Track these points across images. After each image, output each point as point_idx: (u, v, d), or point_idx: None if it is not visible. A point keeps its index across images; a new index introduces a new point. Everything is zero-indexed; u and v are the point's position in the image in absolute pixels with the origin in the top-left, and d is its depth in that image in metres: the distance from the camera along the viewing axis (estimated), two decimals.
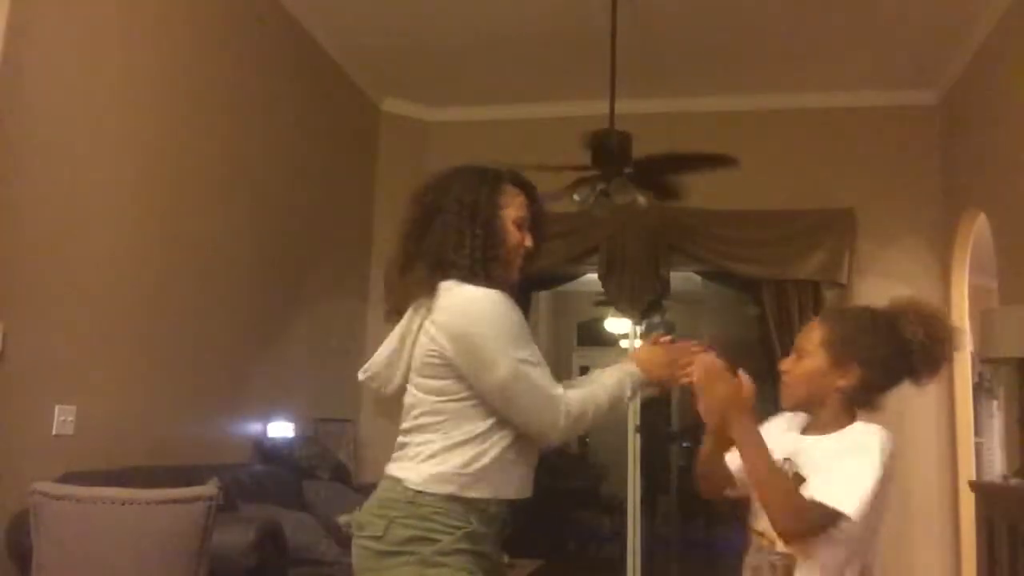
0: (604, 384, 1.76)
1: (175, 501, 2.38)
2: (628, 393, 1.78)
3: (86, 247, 3.16)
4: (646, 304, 5.70)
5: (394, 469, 1.75)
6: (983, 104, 4.72)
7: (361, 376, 1.86)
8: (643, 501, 5.64)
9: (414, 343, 1.73)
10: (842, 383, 1.68)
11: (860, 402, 1.70)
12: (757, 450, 1.62)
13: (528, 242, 1.80)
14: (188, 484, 2.49)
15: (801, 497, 1.56)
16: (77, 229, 3.12)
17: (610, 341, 10.12)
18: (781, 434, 1.74)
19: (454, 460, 1.67)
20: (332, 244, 5.31)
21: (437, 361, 1.69)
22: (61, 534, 2.33)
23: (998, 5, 4.31)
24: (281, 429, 4.54)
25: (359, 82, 5.58)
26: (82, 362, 3.13)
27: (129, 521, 2.33)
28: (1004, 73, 4.36)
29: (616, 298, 5.74)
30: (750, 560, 1.67)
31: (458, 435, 1.68)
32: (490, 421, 1.69)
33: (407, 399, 1.78)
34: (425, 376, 1.72)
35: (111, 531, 2.31)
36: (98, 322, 3.22)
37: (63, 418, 3.00)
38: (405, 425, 1.77)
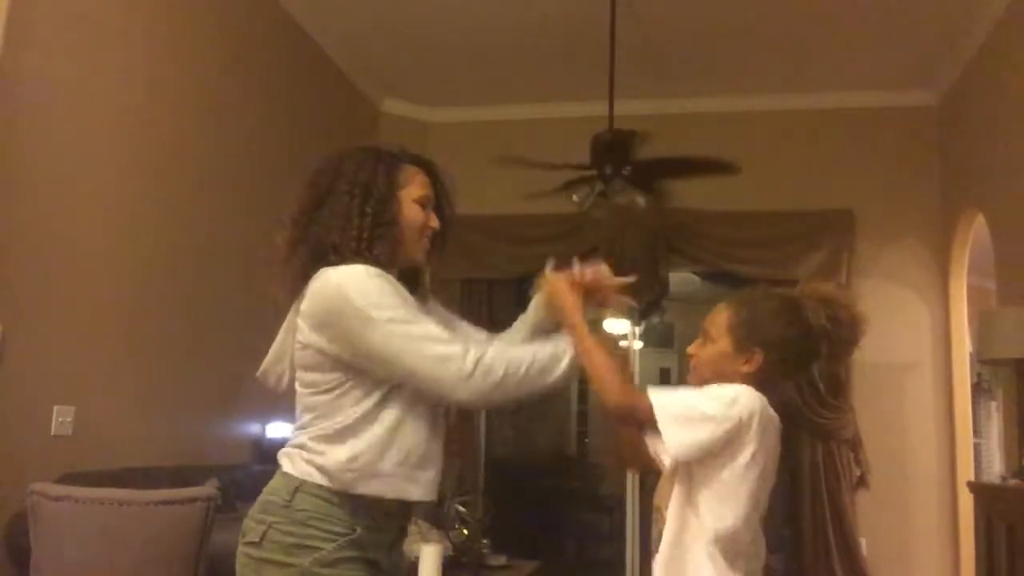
0: (535, 349, 1.66)
1: (174, 502, 2.38)
2: (564, 364, 1.65)
3: (85, 248, 3.16)
4: (645, 304, 5.71)
5: (283, 462, 1.67)
6: (982, 105, 4.72)
7: (258, 374, 1.80)
8: (642, 501, 5.65)
9: (294, 336, 1.66)
10: (745, 368, 1.67)
11: (760, 385, 1.67)
12: (585, 346, 1.67)
13: (433, 222, 1.73)
14: (187, 485, 2.49)
15: (626, 381, 1.64)
16: (76, 230, 3.12)
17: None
18: None
19: (336, 454, 1.56)
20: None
21: (308, 352, 1.62)
22: (59, 535, 2.33)
23: (997, 6, 4.31)
24: (280, 429, 4.53)
25: (358, 83, 5.58)
26: (81, 363, 3.13)
27: (128, 522, 2.33)
28: (1003, 74, 4.37)
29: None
30: (654, 539, 1.68)
31: (335, 427, 1.58)
32: (367, 409, 1.58)
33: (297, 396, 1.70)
34: (301, 369, 1.66)
35: (110, 532, 2.31)
36: (97, 323, 3.21)
37: (61, 419, 3.00)
38: (296, 424, 1.71)
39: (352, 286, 1.56)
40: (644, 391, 1.60)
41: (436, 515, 4.24)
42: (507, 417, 9.43)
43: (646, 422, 1.59)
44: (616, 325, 9.35)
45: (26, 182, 2.88)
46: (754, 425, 1.55)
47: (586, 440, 10.99)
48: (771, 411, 1.61)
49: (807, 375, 1.79)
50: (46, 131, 2.97)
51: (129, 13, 3.41)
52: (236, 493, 3.38)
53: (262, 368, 1.77)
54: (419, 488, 1.62)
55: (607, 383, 1.63)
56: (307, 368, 1.63)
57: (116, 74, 3.34)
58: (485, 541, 3.85)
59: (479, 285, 5.66)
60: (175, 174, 3.70)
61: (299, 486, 1.58)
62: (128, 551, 2.31)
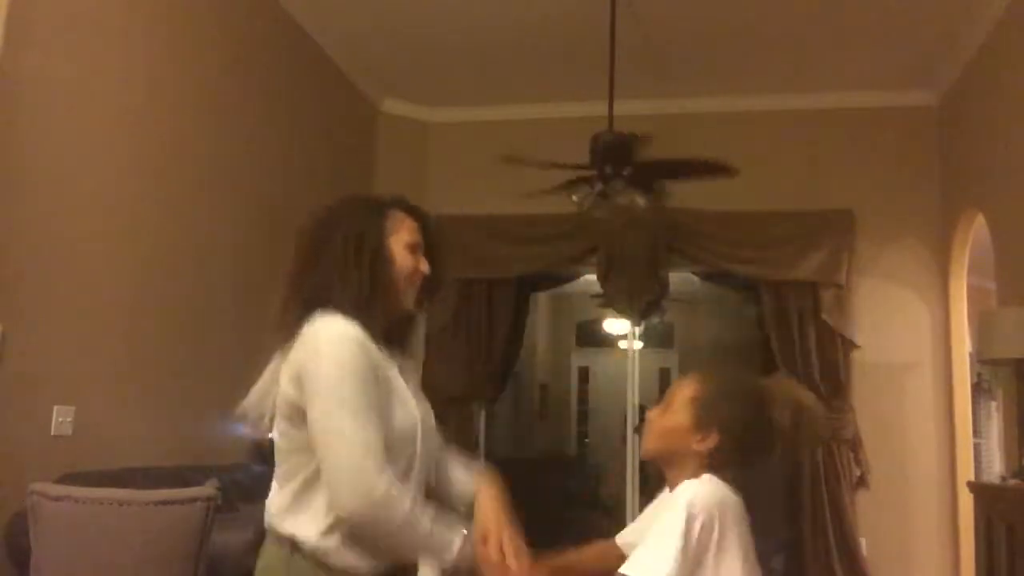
0: (433, 529, 1.53)
1: (174, 502, 2.38)
2: (445, 557, 1.53)
3: (85, 248, 3.16)
4: (645, 305, 5.71)
5: (276, 523, 1.55)
6: (982, 105, 4.72)
7: (237, 412, 1.73)
8: (642, 502, 5.65)
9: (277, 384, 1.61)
10: (697, 447, 1.63)
11: (713, 469, 1.62)
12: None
13: (424, 267, 1.66)
14: (187, 485, 2.49)
15: None
16: (76, 230, 3.12)
17: (609, 342, 10.12)
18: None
19: (315, 523, 1.48)
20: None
21: (284, 402, 1.56)
22: (59, 535, 2.33)
23: (997, 6, 4.31)
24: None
25: (358, 83, 5.58)
26: (81, 363, 3.12)
27: (128, 522, 2.33)
28: (1003, 74, 4.37)
29: (615, 299, 5.74)
30: None
31: (305, 487, 1.51)
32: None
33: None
34: (280, 416, 1.60)
35: (110, 532, 2.31)
36: (97, 323, 3.21)
37: (61, 419, 3.00)
38: (276, 475, 1.62)
39: (334, 348, 1.50)
40: None
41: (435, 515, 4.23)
42: (507, 418, 9.44)
43: None
44: (617, 325, 9.38)
45: (26, 182, 2.88)
46: (715, 528, 1.50)
47: (586, 441, 11.00)
48: (731, 496, 1.57)
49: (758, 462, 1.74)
50: (46, 131, 2.97)
51: (129, 13, 3.41)
52: (236, 493, 3.38)
53: (241, 407, 1.71)
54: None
55: None
56: (284, 417, 1.58)
57: (116, 74, 3.34)
58: None
59: (479, 285, 5.66)
60: (175, 174, 3.70)
61: (291, 552, 1.50)
62: (128, 551, 2.31)
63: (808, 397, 1.73)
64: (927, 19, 4.57)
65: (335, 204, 1.69)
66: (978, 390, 6.45)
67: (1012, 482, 3.85)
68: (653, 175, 4.14)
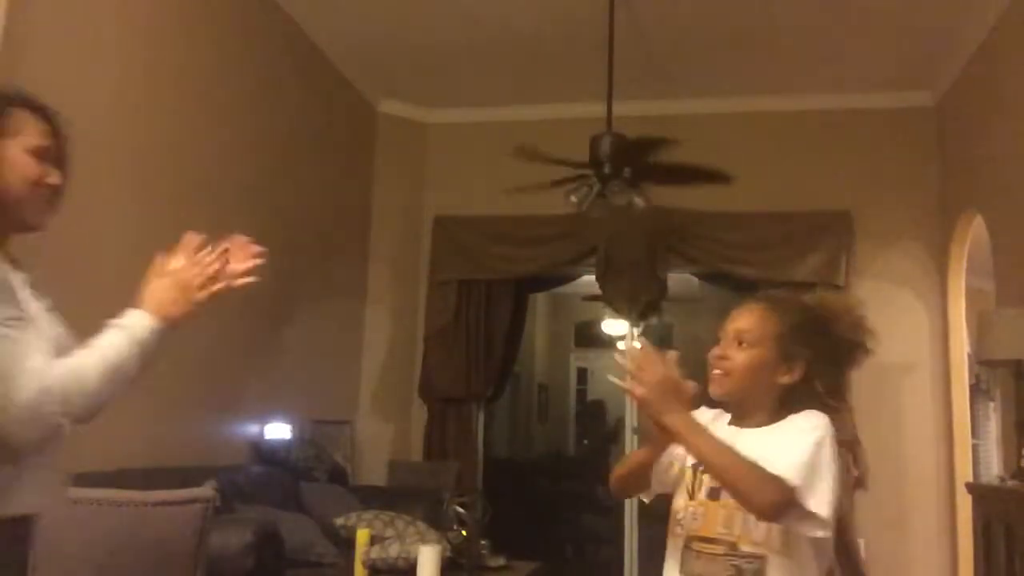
0: (103, 355, 1.43)
1: (172, 503, 2.37)
2: (135, 357, 1.44)
3: (83, 248, 3.16)
4: (643, 305, 5.71)
5: None
6: (980, 106, 4.72)
7: None
8: (640, 502, 5.64)
9: None
10: (784, 379, 1.58)
11: (795, 400, 1.59)
12: (705, 436, 1.49)
13: (54, 177, 1.50)
14: (185, 486, 2.49)
15: (768, 471, 1.44)
16: (74, 230, 3.11)
17: (608, 342, 10.12)
18: (708, 425, 1.59)
19: None
20: (329, 245, 5.30)
21: None
22: (58, 536, 2.32)
23: (995, 7, 4.31)
24: (278, 430, 4.54)
25: (356, 83, 5.58)
26: None
27: (126, 523, 2.33)
28: (1001, 75, 4.37)
29: (614, 299, 5.74)
30: (699, 570, 1.55)
31: None
32: None
33: None
34: None
35: (107, 533, 2.31)
36: (95, 322, 3.20)
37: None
38: None
39: None
40: (779, 477, 1.44)
41: (435, 516, 4.24)
42: (506, 418, 9.43)
43: (795, 508, 1.44)
44: (616, 326, 9.37)
45: None
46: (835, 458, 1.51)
47: (585, 441, 10.99)
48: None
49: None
50: None
51: (128, 14, 3.41)
52: (234, 494, 3.38)
53: None
54: (22, 499, 1.39)
55: (751, 482, 1.43)
56: None
57: (115, 75, 3.34)
58: (484, 542, 3.85)
59: (477, 286, 5.65)
60: (174, 175, 3.69)
61: None
62: (126, 552, 2.31)
63: (855, 301, 1.71)
64: (926, 20, 4.57)
65: None
66: (976, 391, 6.44)
67: (1010, 483, 3.85)
68: (649, 179, 4.15)
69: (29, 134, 1.47)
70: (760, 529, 1.51)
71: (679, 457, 1.65)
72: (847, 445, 5.14)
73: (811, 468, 1.47)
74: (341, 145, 5.54)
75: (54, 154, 1.51)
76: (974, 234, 5.00)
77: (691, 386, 1.52)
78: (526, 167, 4.10)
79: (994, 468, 6.15)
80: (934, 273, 5.30)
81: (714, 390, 1.62)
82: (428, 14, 4.74)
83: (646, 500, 1.78)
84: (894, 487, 5.13)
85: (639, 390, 1.50)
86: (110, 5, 3.33)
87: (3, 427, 1.28)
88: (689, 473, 1.64)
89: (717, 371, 1.63)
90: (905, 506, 5.14)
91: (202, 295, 1.56)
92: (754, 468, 1.44)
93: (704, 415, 1.65)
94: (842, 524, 5.24)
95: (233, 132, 4.21)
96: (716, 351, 1.63)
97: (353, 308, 5.55)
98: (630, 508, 5.56)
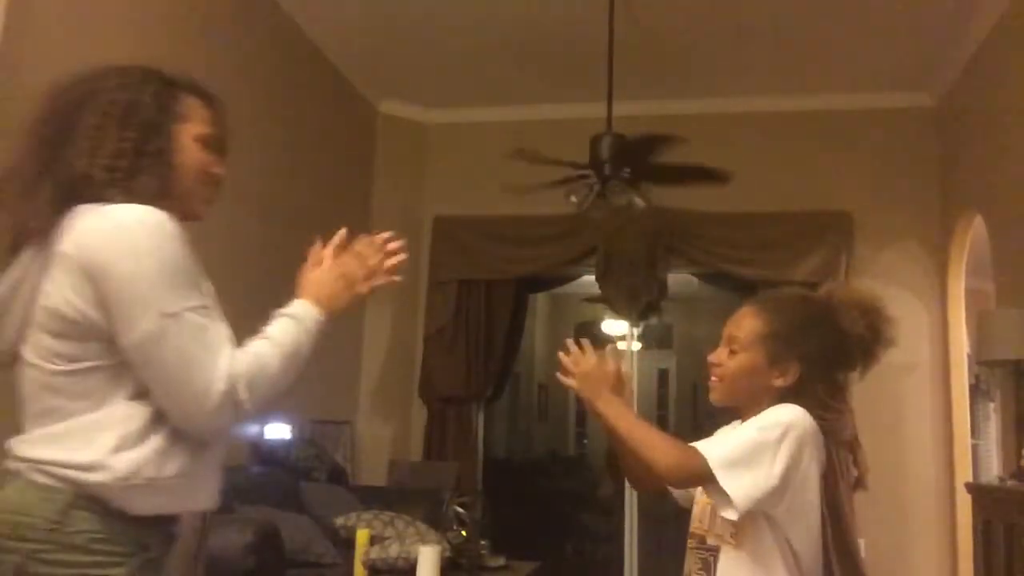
0: (280, 343, 1.39)
1: None
2: (306, 346, 1.43)
3: None
4: (643, 306, 5.71)
5: (30, 470, 1.24)
6: (980, 106, 4.72)
7: None
8: (640, 502, 5.65)
9: (35, 290, 1.27)
10: (778, 382, 1.55)
11: (793, 400, 1.55)
12: (618, 412, 1.54)
13: (219, 167, 1.46)
14: None
15: (678, 442, 1.48)
16: None
17: (608, 342, 10.11)
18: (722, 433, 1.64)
19: (117, 464, 1.23)
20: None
21: (62, 313, 1.24)
22: None
23: (995, 7, 4.31)
24: (278, 431, 4.54)
25: (357, 84, 5.58)
26: None
27: None
28: (1001, 75, 4.37)
29: (613, 300, 5.74)
30: (687, 565, 1.58)
31: (95, 419, 1.25)
32: (139, 392, 1.27)
33: (26, 372, 1.30)
34: (48, 334, 1.26)
35: None
36: None
37: None
38: (34, 407, 1.29)
39: (142, 245, 1.24)
40: (691, 446, 1.47)
41: (435, 516, 4.24)
42: (505, 419, 9.43)
43: (704, 479, 1.45)
44: (614, 327, 9.38)
45: None
46: (807, 450, 1.46)
47: (585, 441, 10.99)
48: (816, 426, 1.52)
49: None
50: None
51: (127, 14, 3.41)
52: (234, 494, 3.38)
53: None
54: (206, 494, 1.39)
55: (657, 449, 1.47)
56: (62, 336, 1.26)
57: None
58: (483, 542, 3.85)
59: (477, 286, 5.65)
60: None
61: (72, 502, 1.22)
62: None
63: (871, 294, 1.66)
64: (926, 20, 4.57)
65: (104, 67, 1.39)
66: (976, 391, 6.44)
67: (1010, 483, 3.85)
68: (649, 179, 4.15)
69: (197, 121, 1.45)
70: (717, 522, 1.52)
71: None
72: (847, 445, 5.17)
73: (743, 453, 1.44)
74: (341, 146, 5.54)
75: (218, 143, 1.48)
76: (974, 234, 5.00)
77: (626, 374, 1.65)
78: (526, 167, 4.10)
79: (994, 468, 6.15)
80: (934, 273, 5.30)
81: (712, 397, 1.63)
82: (428, 14, 4.74)
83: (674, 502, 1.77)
84: (894, 487, 5.13)
85: (571, 381, 1.64)
86: (110, 6, 3.33)
87: (198, 416, 1.27)
88: None
89: (712, 378, 1.63)
90: (905, 506, 5.14)
91: (364, 288, 1.55)
92: (664, 437, 1.50)
93: (727, 431, 1.67)
94: (842, 524, 5.26)
95: (233, 132, 4.20)
96: (711, 357, 1.63)
97: (352, 308, 5.55)
98: (630, 508, 5.56)
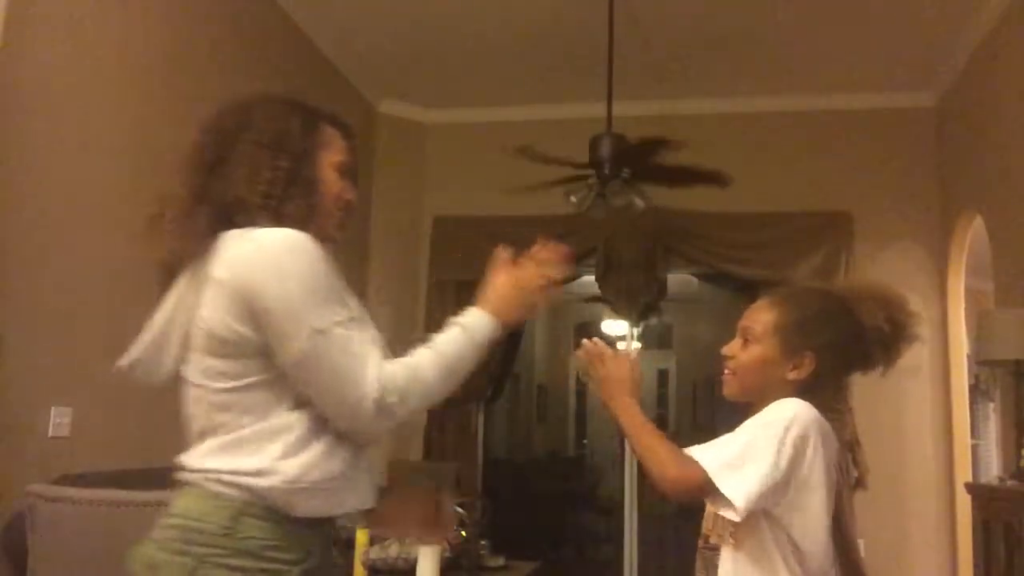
0: (441, 352, 1.42)
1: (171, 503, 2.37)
2: (471, 357, 1.48)
3: (83, 249, 3.16)
4: (643, 306, 5.71)
5: (203, 480, 1.37)
6: (980, 106, 4.72)
7: (123, 362, 1.50)
8: (640, 503, 5.65)
9: (191, 314, 1.38)
10: (793, 375, 1.51)
11: (807, 394, 1.51)
12: (632, 421, 1.51)
13: (351, 193, 1.50)
14: None
15: (679, 452, 1.45)
16: (75, 230, 3.12)
17: (607, 343, 10.11)
18: None
19: (286, 468, 1.31)
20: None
21: (222, 336, 1.33)
22: (57, 536, 2.32)
23: (995, 7, 4.31)
24: None
25: (356, 84, 5.58)
26: (78, 363, 3.12)
27: (125, 523, 2.32)
28: (1001, 75, 4.37)
29: (613, 300, 5.75)
30: (697, 565, 1.58)
31: (262, 430, 1.34)
32: (304, 412, 1.35)
33: (191, 391, 1.44)
34: (209, 355, 1.37)
35: (107, 533, 2.31)
36: (94, 323, 3.21)
37: (59, 420, 2.99)
38: (202, 424, 1.44)
39: (289, 265, 1.32)
40: (690, 457, 1.44)
41: None
42: (505, 419, 9.43)
43: (705, 491, 1.42)
44: (615, 326, 9.38)
45: (24, 183, 2.87)
46: (810, 444, 1.42)
47: (584, 441, 11.00)
48: (824, 420, 1.48)
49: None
50: (45, 132, 2.97)
51: (127, 14, 3.41)
52: None
53: (132, 356, 1.49)
54: (363, 493, 1.42)
55: (659, 459, 1.45)
56: (223, 355, 1.35)
57: (114, 76, 3.34)
58: (483, 542, 3.84)
59: (477, 286, 5.65)
60: (170, 175, 3.69)
61: (242, 508, 1.31)
62: (126, 552, 2.31)
63: (892, 288, 1.60)
64: (926, 20, 4.57)
65: (251, 97, 1.49)
66: (976, 391, 6.45)
67: (1010, 483, 3.86)
68: (649, 180, 4.15)
69: (335, 150, 1.50)
70: (718, 522, 1.52)
71: None
72: (847, 445, 5.17)
73: (741, 452, 1.42)
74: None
75: (352, 171, 1.53)
76: (974, 234, 5.00)
77: (640, 376, 1.61)
78: (526, 167, 4.10)
79: (994, 468, 6.15)
80: (934, 273, 5.30)
81: (725, 391, 1.60)
82: (428, 15, 4.74)
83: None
84: (894, 487, 5.14)
85: (591, 383, 1.62)
86: (110, 6, 3.33)
87: (356, 423, 1.34)
88: None
89: (726, 371, 1.59)
90: (905, 506, 5.14)
91: (537, 298, 1.59)
92: (664, 446, 1.46)
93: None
94: (842, 524, 5.24)
95: None
96: (724, 349, 1.60)
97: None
98: (630, 508, 5.56)
